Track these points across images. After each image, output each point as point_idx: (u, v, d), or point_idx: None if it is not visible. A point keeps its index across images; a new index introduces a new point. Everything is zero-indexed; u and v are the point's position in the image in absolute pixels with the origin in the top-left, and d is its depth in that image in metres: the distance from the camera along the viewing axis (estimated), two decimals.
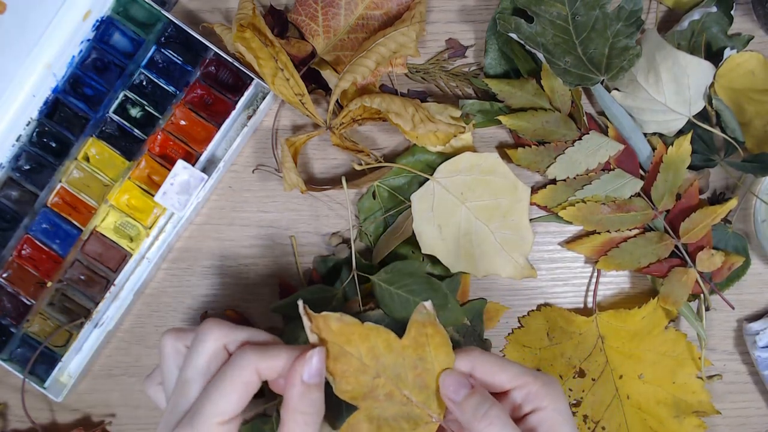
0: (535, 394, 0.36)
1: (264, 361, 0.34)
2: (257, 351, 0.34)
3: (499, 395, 0.37)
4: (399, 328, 0.52)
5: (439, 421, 0.36)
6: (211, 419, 0.33)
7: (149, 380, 0.40)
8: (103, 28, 0.53)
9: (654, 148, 0.53)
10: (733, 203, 0.51)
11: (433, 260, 0.54)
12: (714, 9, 0.52)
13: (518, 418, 0.37)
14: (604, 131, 0.53)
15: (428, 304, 0.35)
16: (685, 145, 0.51)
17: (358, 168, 0.53)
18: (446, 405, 0.36)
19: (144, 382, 0.41)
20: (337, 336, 0.35)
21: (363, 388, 0.35)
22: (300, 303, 0.34)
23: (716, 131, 0.52)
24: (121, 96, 0.53)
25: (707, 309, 0.53)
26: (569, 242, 0.55)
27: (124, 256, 0.54)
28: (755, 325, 0.53)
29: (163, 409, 0.40)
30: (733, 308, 0.54)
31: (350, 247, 0.54)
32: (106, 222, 0.54)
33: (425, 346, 0.36)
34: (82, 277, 0.54)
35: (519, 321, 0.55)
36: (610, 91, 0.52)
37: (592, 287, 0.55)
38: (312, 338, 0.35)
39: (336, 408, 0.49)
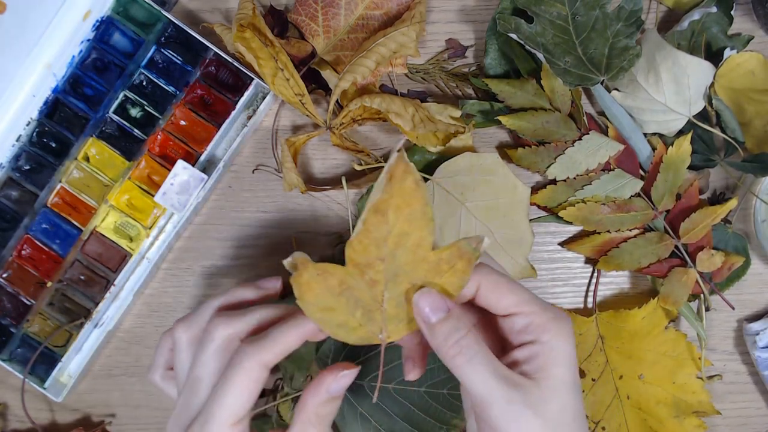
0: (536, 326, 0.33)
1: (266, 353, 0.34)
2: (257, 344, 0.34)
3: (502, 317, 0.35)
4: None
5: (382, 342, 0.34)
6: (224, 422, 0.33)
7: (153, 369, 0.40)
8: (103, 28, 0.53)
9: (654, 148, 0.53)
10: (733, 203, 0.51)
11: None
12: (714, 9, 0.52)
13: (511, 347, 0.34)
14: (604, 131, 0.53)
15: (486, 242, 0.32)
16: (685, 145, 0.51)
17: (358, 168, 0.53)
18: (417, 326, 0.33)
19: (148, 373, 0.41)
20: (397, 194, 0.31)
21: (364, 258, 0.32)
22: (401, 141, 0.31)
23: (716, 131, 0.52)
24: (121, 96, 0.53)
25: (707, 309, 0.53)
26: (569, 242, 0.55)
27: (124, 256, 0.54)
28: (755, 325, 0.53)
29: (172, 397, 0.40)
30: (733, 308, 0.54)
31: None
32: (106, 222, 0.54)
33: (445, 272, 0.33)
34: (82, 277, 0.54)
35: None
36: (610, 91, 0.52)
37: (592, 287, 0.55)
38: (381, 177, 0.31)
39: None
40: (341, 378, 0.34)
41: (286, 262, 0.32)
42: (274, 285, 0.40)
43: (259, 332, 0.36)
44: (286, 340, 0.34)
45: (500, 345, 0.36)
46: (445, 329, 0.33)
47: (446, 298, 0.33)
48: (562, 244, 0.56)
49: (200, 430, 0.33)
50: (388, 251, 0.32)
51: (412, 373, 0.36)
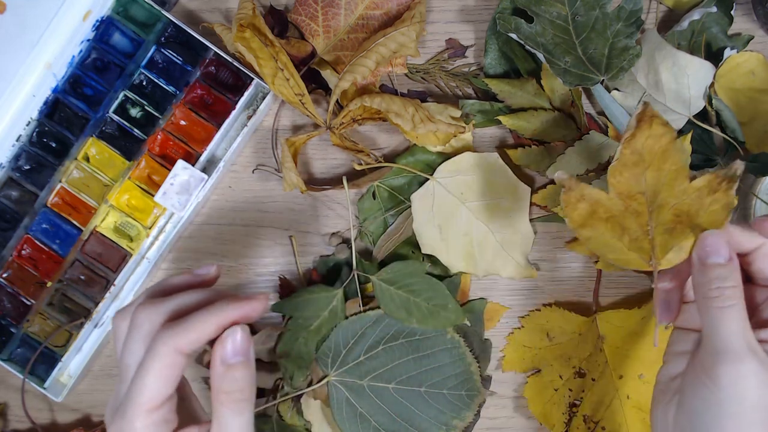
0: None
1: (182, 338, 0.33)
2: (173, 330, 0.33)
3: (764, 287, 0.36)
4: (398, 328, 0.52)
5: (654, 268, 0.37)
6: (140, 408, 0.33)
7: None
8: (103, 28, 0.53)
9: None
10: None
11: (433, 260, 0.54)
12: (714, 9, 0.52)
13: (762, 323, 0.35)
14: (604, 131, 0.53)
15: (740, 166, 0.36)
16: (685, 145, 0.51)
17: (358, 168, 0.53)
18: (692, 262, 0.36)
19: None
20: (646, 135, 0.36)
21: (625, 188, 0.35)
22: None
23: (716, 131, 0.52)
24: (121, 96, 0.53)
25: None
26: (569, 242, 0.55)
27: (124, 256, 0.54)
28: None
29: None
30: None
31: (350, 247, 0.54)
32: (106, 222, 0.54)
33: (706, 201, 0.36)
34: (82, 277, 0.54)
35: (519, 321, 0.55)
36: (610, 91, 0.52)
37: (592, 287, 0.55)
38: (631, 121, 0.37)
39: None
40: (226, 341, 0.33)
41: (556, 177, 0.37)
42: (207, 271, 0.39)
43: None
44: (202, 327, 0.33)
45: (750, 315, 0.36)
46: (717, 273, 0.34)
47: (731, 249, 0.34)
48: (562, 244, 0.56)
49: (121, 417, 0.33)
50: (647, 185, 0.36)
51: (666, 318, 0.38)
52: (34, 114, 0.53)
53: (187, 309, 0.35)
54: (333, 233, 0.56)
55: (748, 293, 0.36)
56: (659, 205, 0.36)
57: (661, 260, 0.37)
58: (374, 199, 0.55)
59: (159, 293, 0.37)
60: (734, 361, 0.33)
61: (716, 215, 0.36)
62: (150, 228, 0.54)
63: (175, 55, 0.53)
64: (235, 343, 0.33)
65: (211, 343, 0.34)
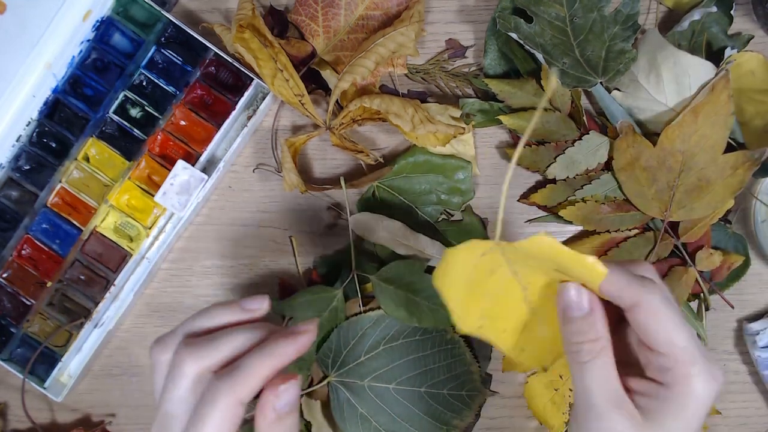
0: (680, 376, 0.32)
1: (241, 388, 0.31)
2: (232, 380, 0.32)
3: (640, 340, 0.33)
4: (399, 328, 0.52)
5: (665, 219, 0.45)
6: None
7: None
8: (103, 28, 0.53)
9: None
10: (730, 203, 0.51)
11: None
12: (714, 9, 0.52)
13: (637, 373, 0.34)
14: (604, 131, 0.53)
15: (766, 152, 0.46)
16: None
17: (367, 163, 0.53)
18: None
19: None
20: (713, 102, 0.45)
21: (670, 145, 0.45)
22: (730, 63, 0.46)
23: None
24: (121, 96, 0.53)
25: (707, 309, 0.53)
26: (569, 242, 0.55)
27: (124, 256, 0.54)
28: (755, 325, 0.53)
29: None
30: (732, 307, 0.54)
31: (350, 247, 0.54)
32: (106, 222, 0.54)
33: (727, 176, 0.45)
34: (82, 277, 0.54)
35: None
36: (610, 92, 0.52)
37: None
38: (707, 86, 0.45)
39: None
40: (283, 394, 0.32)
41: (619, 123, 0.45)
42: (259, 306, 0.35)
43: (231, 361, 0.33)
44: (260, 372, 0.32)
45: (623, 353, 0.34)
46: (577, 327, 0.33)
47: (591, 300, 0.33)
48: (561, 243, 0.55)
49: None
50: (690, 146, 0.45)
51: None
52: (34, 114, 0.53)
53: (238, 354, 0.33)
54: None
55: (622, 333, 0.35)
56: (689, 167, 0.43)
57: (673, 214, 0.47)
58: (374, 198, 0.55)
59: (200, 331, 0.35)
60: (597, 419, 0.31)
61: (727, 189, 0.45)
62: (150, 228, 0.54)
63: (175, 55, 0.53)
64: (290, 396, 0.32)
65: None
